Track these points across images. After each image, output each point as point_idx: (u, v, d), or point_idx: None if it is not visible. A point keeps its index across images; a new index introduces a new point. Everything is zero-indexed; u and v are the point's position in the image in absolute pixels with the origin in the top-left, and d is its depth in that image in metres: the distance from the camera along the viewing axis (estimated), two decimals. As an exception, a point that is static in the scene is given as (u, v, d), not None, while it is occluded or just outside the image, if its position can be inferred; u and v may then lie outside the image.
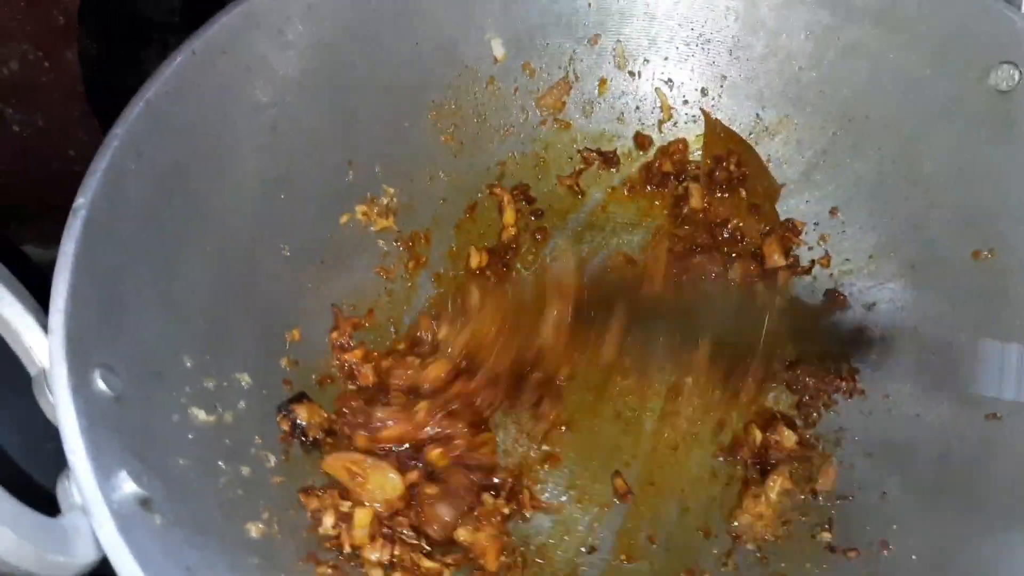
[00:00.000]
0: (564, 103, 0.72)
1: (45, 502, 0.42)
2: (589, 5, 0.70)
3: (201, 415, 0.52)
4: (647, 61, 0.72)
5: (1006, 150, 0.59)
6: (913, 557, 0.55)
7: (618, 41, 0.71)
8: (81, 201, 0.48)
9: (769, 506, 0.59)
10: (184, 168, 0.55)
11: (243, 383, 0.57)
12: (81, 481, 0.41)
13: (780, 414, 0.64)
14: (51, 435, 0.43)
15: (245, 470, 0.53)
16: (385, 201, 0.68)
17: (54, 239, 0.46)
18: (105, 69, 0.71)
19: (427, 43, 0.68)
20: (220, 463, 0.52)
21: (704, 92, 0.72)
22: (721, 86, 0.71)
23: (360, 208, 0.67)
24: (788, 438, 0.61)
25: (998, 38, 0.59)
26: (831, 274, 0.68)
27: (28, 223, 0.75)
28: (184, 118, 0.55)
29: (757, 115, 0.71)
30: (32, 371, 0.46)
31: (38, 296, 0.50)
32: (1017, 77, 0.58)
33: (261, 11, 0.59)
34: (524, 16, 0.69)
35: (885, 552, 0.56)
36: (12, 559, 0.38)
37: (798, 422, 0.63)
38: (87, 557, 0.41)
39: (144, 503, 0.44)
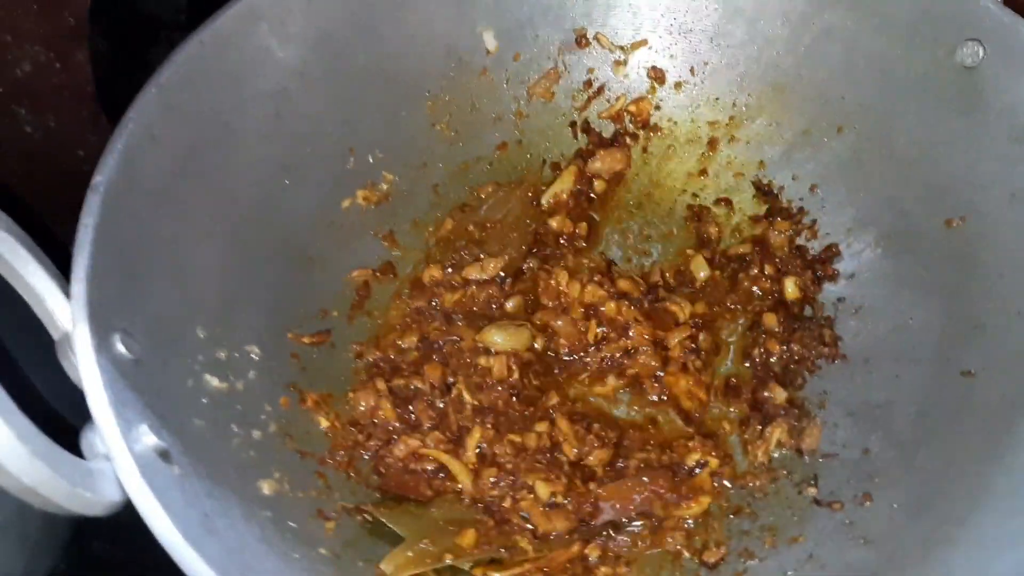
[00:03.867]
0: (554, 92, 0.75)
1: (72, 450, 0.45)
2: (575, -2, 0.73)
3: (214, 382, 0.55)
4: (632, 50, 0.75)
5: (973, 123, 0.62)
6: (894, 506, 0.57)
7: (604, 31, 0.74)
8: (99, 179, 0.51)
9: (765, 454, 0.62)
10: (195, 151, 0.58)
11: (253, 355, 0.59)
12: (104, 431, 0.44)
13: (773, 372, 0.66)
14: (73, 397, 0.46)
15: (256, 434, 0.56)
16: (384, 187, 0.71)
17: (66, 236, 0.49)
18: (115, 70, 0.73)
19: (423, 35, 0.71)
20: (233, 426, 0.55)
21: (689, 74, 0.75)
22: (704, 71, 0.74)
23: (361, 193, 0.70)
24: (779, 394, 0.64)
25: (963, 17, 0.62)
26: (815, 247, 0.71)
27: (40, 220, 0.77)
28: (193, 104, 0.58)
29: (738, 98, 0.74)
30: (56, 335, 0.49)
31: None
32: (981, 53, 0.61)
33: (264, 5, 0.62)
34: (514, 9, 0.73)
35: (867, 503, 0.58)
36: (45, 491, 0.40)
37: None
38: (112, 498, 0.43)
39: (164, 454, 0.46)
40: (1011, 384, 0.57)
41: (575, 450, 0.62)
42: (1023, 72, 0.60)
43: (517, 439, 0.62)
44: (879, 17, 0.66)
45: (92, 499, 0.42)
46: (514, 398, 0.64)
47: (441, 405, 0.64)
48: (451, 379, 0.65)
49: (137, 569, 0.66)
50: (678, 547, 0.59)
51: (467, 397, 0.64)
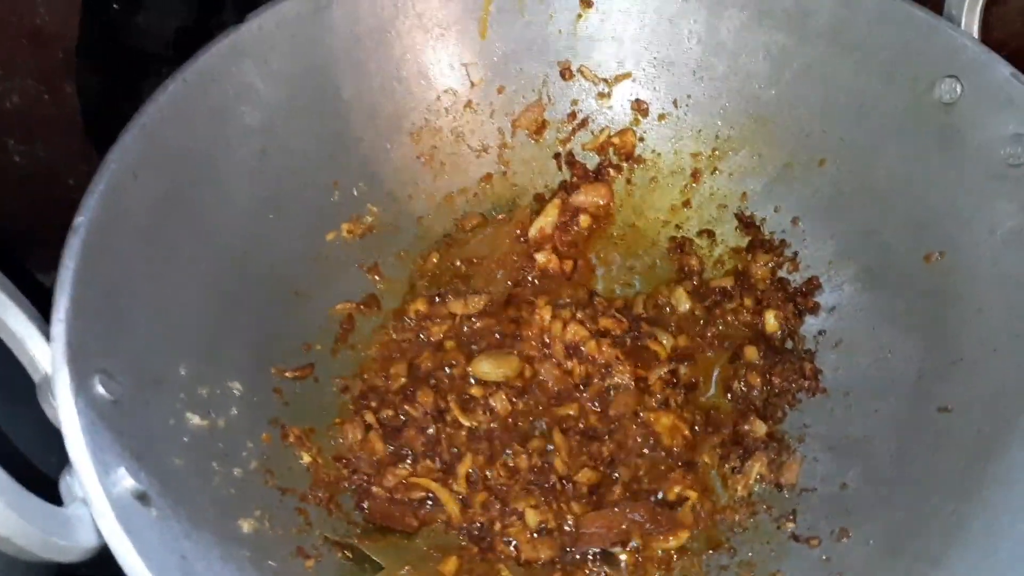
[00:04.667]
0: (540, 123, 0.76)
1: (50, 495, 0.45)
2: (559, 32, 0.74)
3: (196, 420, 0.55)
4: (616, 83, 0.75)
5: (951, 158, 0.63)
6: (870, 542, 0.57)
7: (588, 64, 0.75)
8: (80, 220, 0.52)
9: (745, 488, 0.62)
10: (178, 189, 0.59)
11: (235, 391, 0.60)
12: (82, 475, 0.44)
13: (753, 406, 0.67)
14: (55, 438, 0.46)
15: (237, 471, 0.56)
16: (369, 219, 0.71)
17: (54, 265, 0.49)
18: (102, 102, 0.74)
19: (407, 69, 0.71)
20: (214, 464, 0.55)
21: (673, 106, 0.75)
22: (687, 104, 0.75)
23: (345, 226, 0.70)
24: (759, 428, 0.64)
25: (941, 54, 0.63)
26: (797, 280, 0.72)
27: (29, 249, 0.78)
28: (177, 142, 0.59)
29: (721, 131, 0.74)
30: (36, 378, 0.49)
31: (40, 311, 0.53)
32: (959, 90, 0.62)
33: (247, 41, 0.63)
34: (499, 43, 0.73)
35: (844, 539, 0.59)
36: (19, 540, 0.41)
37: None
38: (88, 543, 0.44)
39: (141, 497, 0.47)
40: (987, 420, 0.57)
41: (565, 466, 0.63)
42: (1000, 108, 0.60)
43: (510, 463, 0.63)
44: (859, 53, 0.67)
45: (67, 547, 0.43)
46: (508, 419, 0.65)
47: (432, 432, 0.64)
48: (443, 404, 0.65)
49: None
50: None
51: (463, 420, 0.64)
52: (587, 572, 0.60)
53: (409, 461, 0.63)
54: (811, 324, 0.70)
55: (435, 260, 0.73)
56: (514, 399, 0.66)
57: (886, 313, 0.66)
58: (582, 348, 0.68)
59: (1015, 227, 0.60)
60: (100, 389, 0.48)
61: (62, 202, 0.58)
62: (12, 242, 0.77)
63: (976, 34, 0.64)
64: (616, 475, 0.64)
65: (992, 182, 0.61)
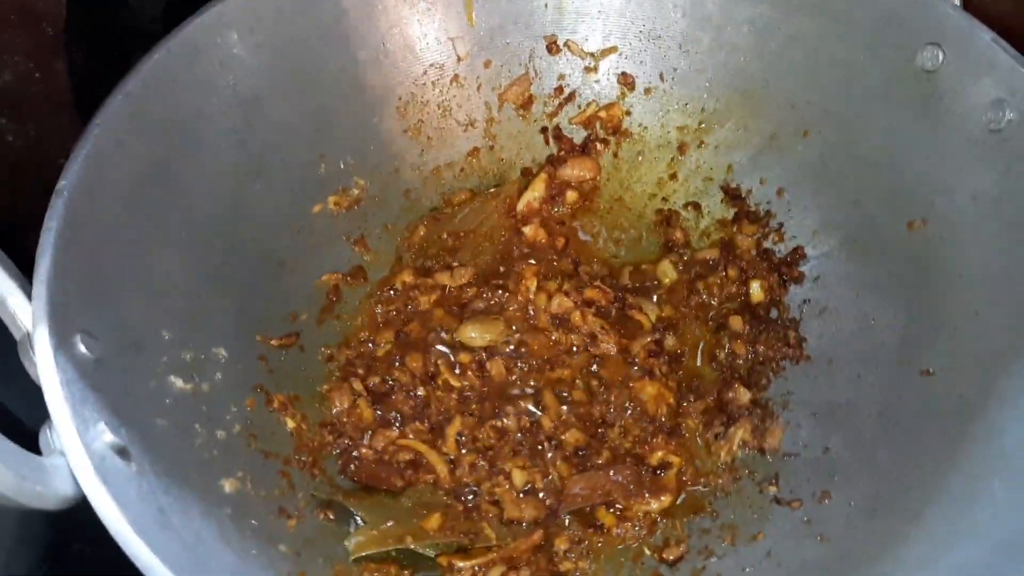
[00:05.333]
0: (526, 97, 0.76)
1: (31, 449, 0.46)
2: (546, 6, 0.74)
3: (179, 383, 0.56)
4: (602, 57, 0.76)
5: (933, 125, 0.63)
6: (851, 504, 0.58)
7: (574, 39, 0.75)
8: (63, 183, 0.52)
9: (729, 453, 0.63)
10: (162, 157, 0.59)
11: (220, 357, 0.60)
12: (60, 428, 0.44)
13: (738, 374, 0.67)
14: (36, 397, 0.47)
15: (220, 434, 0.57)
16: (355, 192, 0.72)
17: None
18: (92, 79, 0.74)
19: (393, 42, 0.72)
20: (196, 426, 0.55)
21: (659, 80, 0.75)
22: (673, 77, 0.75)
23: (332, 198, 0.71)
24: (743, 395, 0.65)
25: (923, 21, 0.63)
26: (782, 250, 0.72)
27: (21, 228, 0.78)
28: (161, 111, 0.59)
29: (707, 104, 0.74)
30: (17, 336, 0.50)
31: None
32: (941, 57, 0.62)
33: (233, 12, 0.63)
34: (485, 16, 0.74)
35: (826, 501, 0.59)
36: (-5, 484, 0.41)
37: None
38: (65, 492, 0.44)
39: (121, 452, 0.47)
40: (968, 384, 0.57)
41: (553, 424, 0.63)
42: (981, 74, 0.60)
43: (498, 424, 0.63)
44: (842, 23, 0.67)
45: (45, 493, 0.43)
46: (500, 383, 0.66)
47: (422, 394, 0.65)
48: (431, 369, 0.66)
49: (115, 572, 0.66)
50: (639, 543, 0.59)
51: (453, 382, 0.65)
52: (568, 531, 0.60)
53: (397, 425, 0.64)
54: (796, 293, 0.70)
55: (422, 233, 0.73)
56: (509, 365, 0.66)
57: (870, 281, 0.66)
58: (567, 319, 0.68)
59: (996, 193, 0.60)
60: (81, 348, 0.49)
61: (53, 180, 0.58)
62: (3, 219, 0.77)
63: (958, 0, 0.64)
64: (603, 437, 0.64)
65: (974, 148, 0.61)
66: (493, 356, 0.67)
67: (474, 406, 0.65)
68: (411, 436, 0.64)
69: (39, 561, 0.67)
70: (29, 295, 0.49)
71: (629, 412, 0.65)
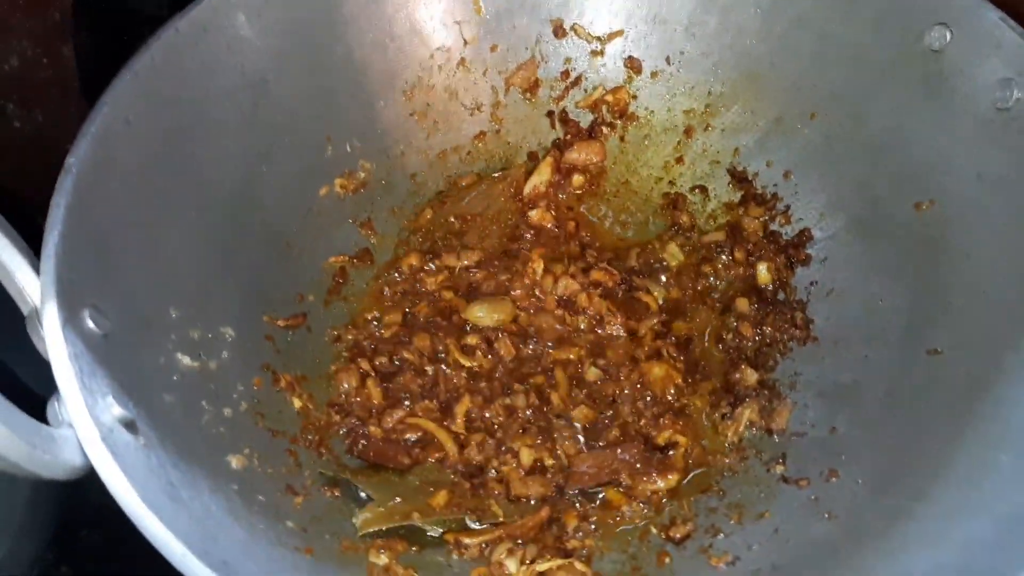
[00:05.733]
0: (533, 81, 0.76)
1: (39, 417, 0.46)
2: (553, -11, 0.74)
3: (186, 360, 0.56)
4: (608, 40, 0.76)
5: (940, 106, 0.63)
6: (859, 482, 0.58)
7: (581, 22, 0.75)
8: (72, 160, 0.52)
9: (736, 433, 0.63)
10: (170, 137, 0.59)
11: (227, 336, 0.60)
12: (67, 399, 0.45)
13: (745, 355, 0.67)
14: (41, 371, 0.47)
15: (227, 412, 0.57)
16: (362, 175, 0.72)
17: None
18: (99, 63, 0.75)
19: (400, 26, 0.72)
20: (204, 403, 0.56)
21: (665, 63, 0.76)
22: (679, 60, 0.75)
23: (338, 181, 0.71)
24: (750, 376, 0.65)
25: (930, 1, 0.63)
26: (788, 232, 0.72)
27: (29, 211, 0.78)
28: (170, 90, 0.59)
29: (713, 87, 0.74)
30: (25, 310, 0.50)
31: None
32: (948, 37, 0.62)
33: (241, -5, 0.63)
34: (491, 0, 0.74)
35: (833, 480, 0.59)
36: (4, 451, 0.41)
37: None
38: (73, 462, 0.44)
39: (129, 425, 0.47)
40: (976, 362, 0.57)
41: (562, 401, 0.64)
42: (989, 53, 0.60)
43: (508, 402, 0.64)
44: (848, 4, 0.67)
45: (52, 462, 0.43)
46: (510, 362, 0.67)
47: (431, 372, 0.65)
48: (440, 348, 0.66)
49: (123, 558, 0.67)
50: (646, 522, 0.59)
51: (463, 361, 0.66)
52: (575, 509, 0.60)
53: (406, 403, 0.64)
54: (803, 275, 0.70)
55: (429, 216, 0.74)
56: (519, 344, 0.67)
57: (877, 262, 0.66)
58: (574, 301, 0.68)
59: (1002, 173, 0.60)
60: (90, 323, 0.49)
61: (60, 164, 0.59)
62: (12, 202, 0.78)
63: (964, -20, 0.64)
64: (611, 416, 0.64)
65: (980, 128, 0.61)
66: (501, 336, 0.67)
67: (483, 384, 0.65)
68: (420, 414, 0.63)
69: (47, 545, 0.67)
70: (37, 270, 0.49)
71: (638, 392, 0.65)
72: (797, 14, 0.69)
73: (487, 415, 0.64)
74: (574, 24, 0.76)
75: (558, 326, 0.68)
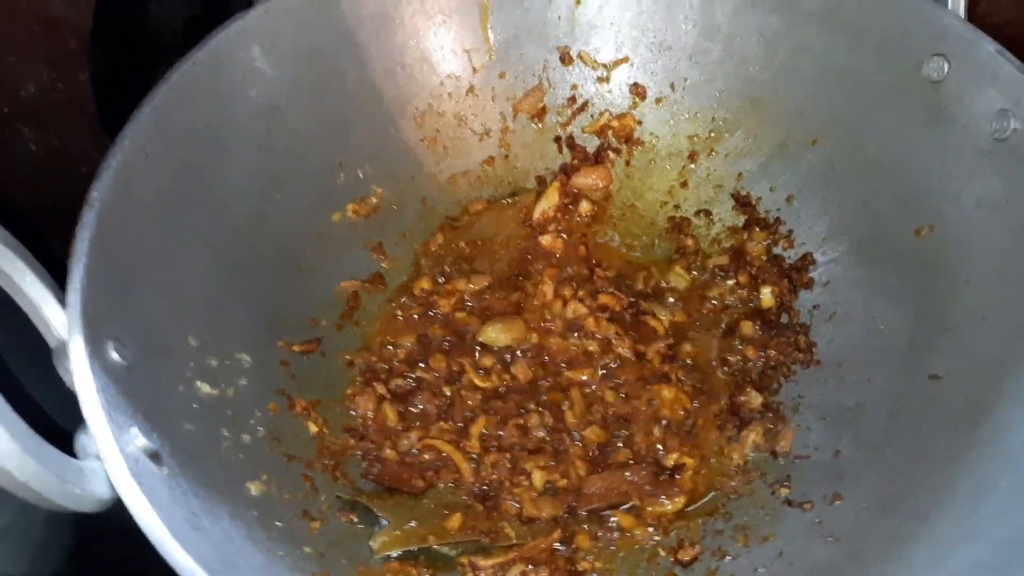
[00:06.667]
0: (540, 108, 0.78)
1: (67, 452, 0.47)
2: (559, 18, 0.76)
3: (205, 388, 0.57)
4: (614, 67, 0.77)
5: (940, 134, 0.64)
6: (862, 505, 0.59)
7: (587, 49, 0.77)
8: (95, 195, 0.54)
9: (741, 456, 0.64)
10: (187, 167, 0.61)
11: (244, 363, 0.62)
12: (96, 433, 0.46)
13: (750, 378, 0.68)
14: (70, 401, 0.48)
15: (246, 438, 0.58)
16: (374, 200, 0.73)
17: (66, 250, 0.51)
18: (115, 89, 0.76)
19: (411, 55, 0.73)
20: (223, 431, 0.57)
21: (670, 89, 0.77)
22: (683, 87, 0.76)
23: (350, 206, 0.72)
24: (755, 399, 0.66)
25: (929, 33, 0.64)
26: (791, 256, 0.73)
27: (45, 234, 0.80)
28: (187, 122, 0.61)
29: (717, 113, 0.76)
30: (52, 343, 0.51)
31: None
32: (946, 68, 0.63)
33: (255, 26, 0.65)
34: (499, 29, 0.75)
35: (837, 503, 0.60)
36: (36, 486, 0.43)
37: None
38: (102, 495, 0.45)
39: (153, 456, 0.49)
40: (975, 386, 0.58)
41: (577, 420, 0.66)
42: (985, 84, 0.62)
43: (522, 422, 0.65)
44: (850, 33, 0.68)
45: (82, 495, 0.45)
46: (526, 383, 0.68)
47: (447, 392, 0.67)
48: (456, 368, 0.68)
49: (136, 574, 0.68)
50: (654, 544, 0.61)
51: (478, 382, 0.67)
52: (585, 531, 0.61)
53: (421, 425, 0.66)
54: (805, 298, 0.71)
55: (440, 241, 0.75)
56: (535, 366, 0.69)
57: (878, 286, 0.67)
58: (582, 324, 0.69)
59: (1001, 199, 0.61)
60: (113, 355, 0.50)
61: (76, 188, 0.60)
62: (28, 226, 0.79)
63: (963, 12, 0.66)
64: (623, 438, 0.66)
65: (979, 156, 0.62)
66: (516, 357, 0.68)
67: (499, 404, 0.67)
68: (435, 436, 0.65)
69: (65, 562, 0.68)
70: (62, 302, 0.50)
71: (649, 414, 0.66)
72: (799, 42, 0.71)
73: (502, 435, 0.65)
74: (580, 51, 0.77)
75: (567, 348, 0.70)
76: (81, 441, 0.48)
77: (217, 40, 0.63)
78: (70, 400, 0.48)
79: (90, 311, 0.49)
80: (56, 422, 0.51)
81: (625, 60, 0.77)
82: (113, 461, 0.45)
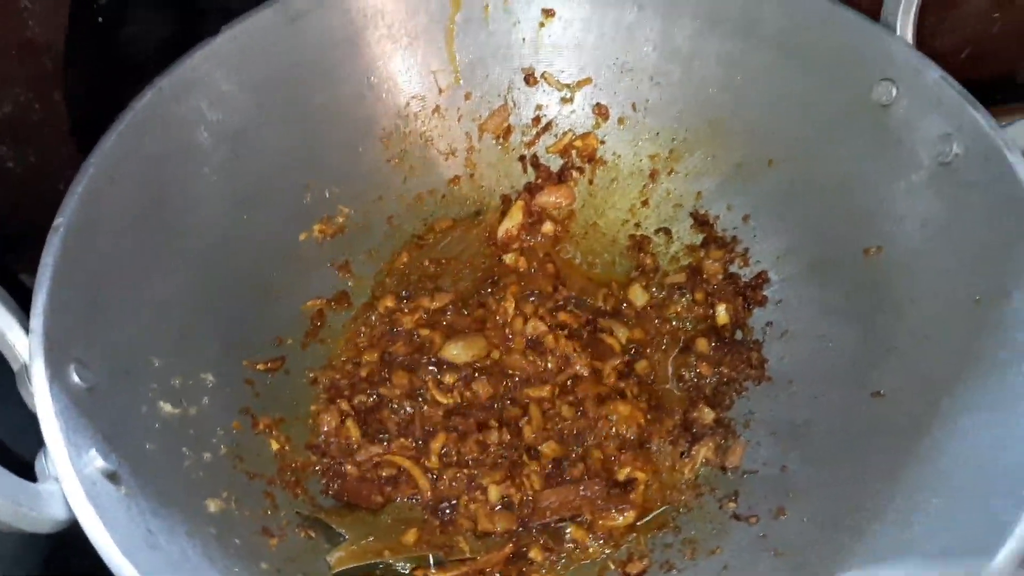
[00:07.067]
0: (505, 128, 0.79)
1: (27, 476, 0.49)
2: (523, 40, 0.78)
3: (168, 408, 0.59)
4: (578, 88, 0.79)
5: (888, 156, 0.66)
6: (804, 519, 0.61)
7: (551, 71, 0.78)
8: (60, 220, 0.56)
9: (692, 471, 0.66)
10: (153, 192, 0.62)
11: (208, 382, 0.63)
12: (54, 455, 0.48)
13: (703, 394, 0.70)
14: (33, 421, 0.50)
15: (207, 456, 0.60)
16: (340, 220, 0.75)
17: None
18: (90, 109, 0.78)
19: (377, 76, 0.75)
20: (184, 449, 0.59)
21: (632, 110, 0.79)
22: (645, 107, 0.78)
23: (317, 226, 0.74)
24: (707, 415, 0.68)
25: (878, 58, 0.66)
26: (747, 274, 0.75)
27: (21, 252, 0.81)
28: (152, 148, 0.62)
29: (677, 133, 0.78)
30: (15, 366, 0.53)
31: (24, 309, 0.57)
32: (894, 92, 0.65)
33: (222, 51, 0.67)
34: (465, 51, 0.77)
35: (782, 517, 0.62)
36: (-8, 511, 0.45)
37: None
38: (58, 516, 0.47)
39: (111, 476, 0.50)
40: (916, 405, 0.60)
41: (534, 435, 0.67)
42: (930, 109, 0.63)
43: (480, 438, 0.67)
44: (804, 58, 0.70)
45: (38, 518, 0.46)
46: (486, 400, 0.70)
47: (409, 410, 0.68)
48: (418, 384, 0.70)
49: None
50: (604, 557, 0.63)
51: (440, 398, 0.69)
52: (538, 544, 0.63)
53: (384, 440, 0.67)
54: (759, 316, 0.73)
55: (405, 259, 0.77)
56: (495, 384, 0.70)
57: (828, 304, 0.69)
58: (541, 341, 0.71)
59: (944, 222, 0.63)
60: (75, 378, 0.52)
61: (52, 206, 0.62)
62: (3, 248, 0.81)
63: (911, 39, 0.67)
64: (579, 453, 0.68)
65: (923, 179, 0.64)
66: (477, 374, 0.70)
67: (459, 420, 0.69)
68: (395, 451, 0.67)
69: (42, 568, 0.70)
70: (26, 327, 0.52)
71: (604, 429, 0.68)
72: (755, 67, 0.73)
73: (461, 451, 0.67)
74: (544, 72, 0.79)
75: (527, 365, 0.71)
76: (41, 462, 0.50)
77: (183, 66, 0.65)
78: (34, 419, 0.50)
79: (53, 335, 0.51)
80: (16, 446, 0.53)
81: (588, 81, 0.79)
82: (69, 483, 0.47)
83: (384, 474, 0.66)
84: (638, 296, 0.75)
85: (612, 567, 0.63)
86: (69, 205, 0.56)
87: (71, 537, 0.69)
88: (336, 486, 0.65)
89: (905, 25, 0.67)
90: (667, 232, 0.78)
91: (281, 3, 0.68)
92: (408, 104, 0.77)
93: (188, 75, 0.65)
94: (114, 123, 0.61)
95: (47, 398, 0.49)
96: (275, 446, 0.65)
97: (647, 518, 0.65)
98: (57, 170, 0.77)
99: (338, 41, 0.73)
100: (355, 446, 0.67)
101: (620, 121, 0.79)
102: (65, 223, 0.55)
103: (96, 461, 0.50)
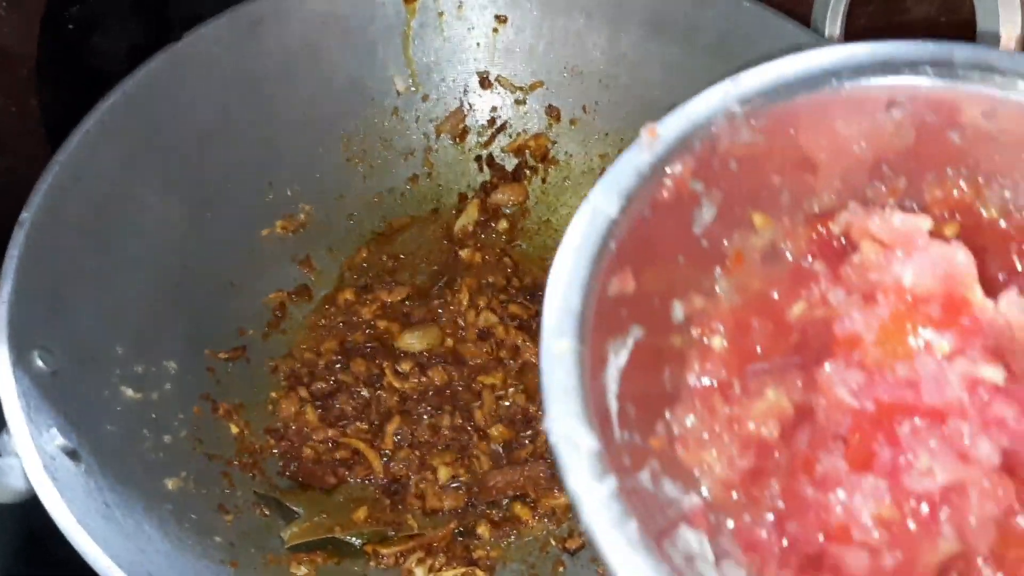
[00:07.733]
0: (462, 129, 0.83)
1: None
2: (478, 44, 0.81)
3: (129, 392, 0.63)
4: (531, 91, 0.83)
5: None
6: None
7: (505, 74, 0.82)
8: (25, 215, 0.59)
9: None
10: (119, 190, 0.66)
11: (170, 369, 0.67)
12: (14, 432, 0.51)
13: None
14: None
15: (167, 438, 0.64)
16: (302, 217, 0.79)
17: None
18: (64, 115, 0.81)
19: (338, 79, 0.79)
20: (144, 431, 0.62)
21: (582, 112, 0.82)
22: (595, 110, 0.82)
23: (279, 223, 0.78)
24: None
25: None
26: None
27: None
28: (118, 148, 0.66)
29: (626, 134, 0.81)
30: (-20, 351, 0.56)
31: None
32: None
33: (185, 56, 0.70)
34: (422, 55, 0.81)
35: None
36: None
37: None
38: (18, 487, 0.51)
39: (71, 454, 0.54)
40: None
41: (484, 419, 0.71)
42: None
43: (434, 421, 0.71)
44: (739, 62, 0.72)
45: (-1, 488, 0.50)
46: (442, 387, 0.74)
47: (364, 394, 0.72)
48: (375, 370, 0.73)
49: (92, 570, 0.72)
50: (546, 533, 0.66)
51: (396, 384, 0.72)
52: (484, 522, 0.66)
53: (341, 425, 0.71)
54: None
55: (364, 255, 0.80)
56: (449, 371, 0.73)
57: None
58: (492, 332, 0.75)
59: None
60: (39, 363, 0.56)
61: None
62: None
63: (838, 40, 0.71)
64: (528, 437, 0.71)
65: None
66: (432, 362, 0.74)
67: (414, 405, 0.72)
68: (352, 434, 0.70)
69: (17, 556, 0.73)
70: (-9, 315, 0.56)
71: None
72: (695, 70, 0.76)
73: (415, 433, 0.70)
74: (499, 76, 0.82)
75: (480, 353, 0.75)
76: (2, 440, 0.53)
77: (147, 71, 0.68)
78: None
79: (17, 323, 0.55)
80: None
81: (540, 84, 0.82)
82: (29, 458, 0.51)
83: (339, 456, 0.69)
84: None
85: (553, 543, 0.66)
86: (34, 201, 0.59)
87: (46, 531, 0.72)
88: (293, 468, 0.69)
89: (833, 29, 0.71)
90: (617, 229, 0.81)
91: (242, 9, 0.71)
92: (367, 106, 0.81)
93: (152, 79, 0.68)
94: (79, 124, 0.64)
95: (10, 380, 0.53)
96: (235, 430, 0.68)
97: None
98: (31, 174, 0.81)
99: (298, 47, 0.76)
100: (312, 430, 0.70)
101: (572, 122, 0.83)
102: (30, 218, 0.59)
103: (57, 439, 0.53)
